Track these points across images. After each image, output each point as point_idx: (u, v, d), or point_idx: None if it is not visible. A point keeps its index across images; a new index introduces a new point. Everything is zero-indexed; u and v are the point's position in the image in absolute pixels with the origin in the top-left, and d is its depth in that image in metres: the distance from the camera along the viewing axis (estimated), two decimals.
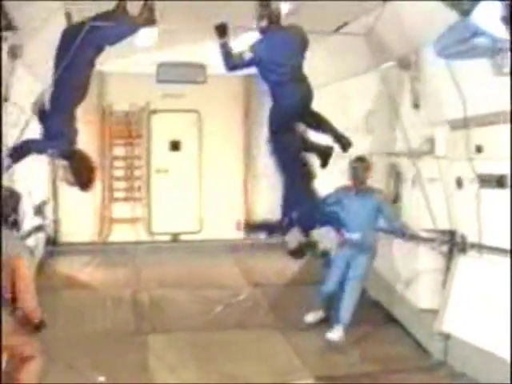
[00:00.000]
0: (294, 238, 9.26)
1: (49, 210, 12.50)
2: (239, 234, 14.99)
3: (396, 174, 9.59)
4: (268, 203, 14.50)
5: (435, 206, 8.48)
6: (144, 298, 10.60)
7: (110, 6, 7.83)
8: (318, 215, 9.16)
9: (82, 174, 7.83)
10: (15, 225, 6.17)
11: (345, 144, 8.50)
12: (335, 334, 8.87)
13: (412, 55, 8.57)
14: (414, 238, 8.95)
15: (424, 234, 8.73)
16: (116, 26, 7.69)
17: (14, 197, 6.22)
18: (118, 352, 8.45)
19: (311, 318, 9.50)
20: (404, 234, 9.02)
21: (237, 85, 14.90)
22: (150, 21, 7.83)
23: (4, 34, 7.05)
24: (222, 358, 8.37)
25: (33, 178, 10.97)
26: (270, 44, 8.13)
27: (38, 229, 10.69)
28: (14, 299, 5.99)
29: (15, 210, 6.16)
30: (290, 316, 9.73)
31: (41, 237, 11.98)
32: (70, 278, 11.53)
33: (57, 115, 7.59)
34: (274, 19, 8.17)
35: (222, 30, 8.08)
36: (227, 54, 8.15)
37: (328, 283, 9.28)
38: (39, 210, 11.24)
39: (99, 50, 7.81)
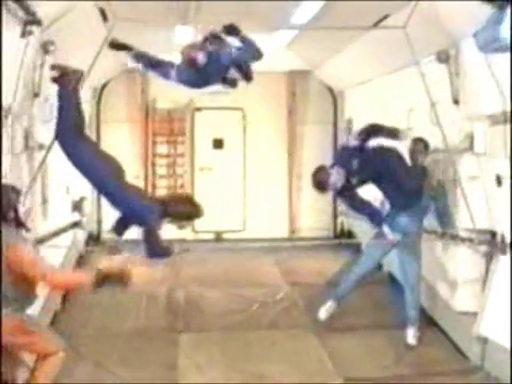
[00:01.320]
0: None
1: (89, 207, 12.44)
2: (282, 234, 14.84)
3: (436, 172, 9.30)
4: (312, 203, 14.33)
5: (475, 205, 8.19)
6: (179, 296, 10.51)
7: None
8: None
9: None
10: (17, 223, 6.01)
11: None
12: (412, 337, 8.65)
13: (451, 49, 8.31)
14: (453, 238, 8.68)
15: (464, 234, 8.45)
16: None
17: (11, 193, 6.02)
18: (147, 350, 8.40)
19: (323, 314, 9.12)
20: (444, 233, 8.75)
21: (280, 81, 14.83)
22: None
23: (29, 28, 6.94)
24: (251, 357, 8.24)
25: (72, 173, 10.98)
26: None
27: (75, 225, 10.62)
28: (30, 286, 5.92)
29: (13, 207, 5.97)
30: None
31: (80, 233, 11.96)
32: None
33: None
34: None
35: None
36: None
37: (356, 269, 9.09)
38: (77, 206, 11.21)
39: None
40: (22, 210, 6.38)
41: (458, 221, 8.62)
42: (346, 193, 8.70)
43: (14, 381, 6.18)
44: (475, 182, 8.28)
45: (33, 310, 6.44)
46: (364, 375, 7.77)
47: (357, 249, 12.12)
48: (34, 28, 7.16)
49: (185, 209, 7.28)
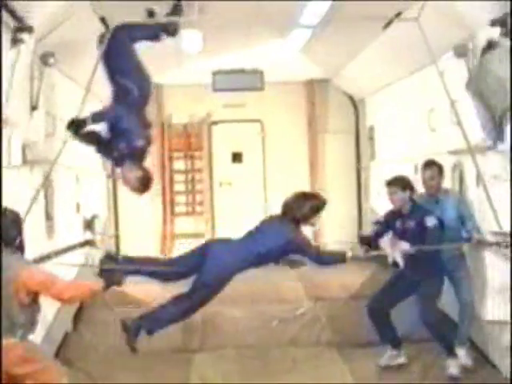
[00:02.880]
0: None
1: (102, 225, 12.14)
2: None
3: (460, 173, 8.86)
4: (336, 215, 13.90)
5: (501, 206, 7.70)
6: (196, 315, 10.06)
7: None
8: None
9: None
10: (21, 248, 5.98)
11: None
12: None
13: (469, 42, 7.89)
14: (480, 243, 8.17)
15: (491, 238, 7.95)
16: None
17: (18, 220, 6.01)
18: (159, 370, 8.12)
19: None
20: (470, 238, 8.24)
21: (298, 91, 14.53)
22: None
23: (19, 36, 6.70)
24: (269, 375, 7.92)
25: (84, 190, 10.75)
26: None
27: (87, 243, 10.34)
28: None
29: (20, 233, 5.96)
30: (348, 332, 9.14)
31: (93, 253, 11.63)
32: (124, 295, 11.09)
33: None
34: None
35: None
36: None
37: None
38: (89, 225, 10.91)
39: None
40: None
41: (483, 225, 8.13)
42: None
43: None
44: (500, 182, 7.80)
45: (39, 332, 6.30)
46: None
47: (381, 261, 11.70)
48: (27, 37, 6.93)
49: (310, 204, 7.15)
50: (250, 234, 7.26)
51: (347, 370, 7.99)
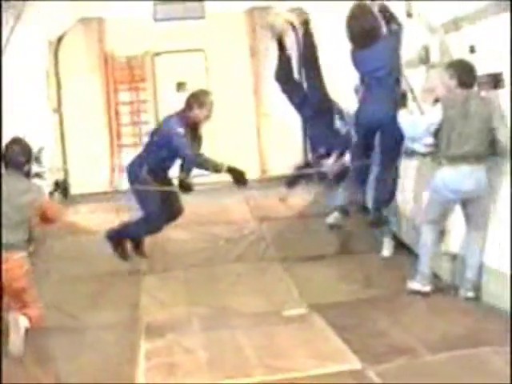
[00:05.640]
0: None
1: (49, 158, 12.17)
2: (253, 174, 14.58)
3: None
4: (282, 141, 14.10)
5: None
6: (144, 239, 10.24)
7: None
8: None
9: None
10: (28, 175, 6.78)
11: None
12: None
13: None
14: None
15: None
16: None
17: (27, 148, 6.74)
18: (109, 293, 8.24)
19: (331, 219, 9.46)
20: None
21: (240, 19, 14.52)
22: None
23: None
24: (216, 291, 8.07)
25: (30, 123, 10.74)
26: None
27: (32, 176, 10.37)
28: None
29: (28, 161, 6.71)
30: (293, 248, 9.37)
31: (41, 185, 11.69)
32: (73, 225, 11.24)
33: None
34: None
35: None
36: None
37: None
38: (36, 158, 10.91)
39: None
40: None
41: None
42: None
43: None
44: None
45: None
46: (330, 301, 7.54)
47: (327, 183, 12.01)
48: None
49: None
50: None
51: (292, 282, 8.16)
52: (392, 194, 8.43)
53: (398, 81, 8.02)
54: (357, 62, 8.10)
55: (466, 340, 6.13)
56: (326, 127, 9.55)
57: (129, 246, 9.02)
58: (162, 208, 8.59)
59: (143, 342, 6.59)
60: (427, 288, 7.36)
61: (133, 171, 8.66)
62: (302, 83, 10.03)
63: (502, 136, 6.78)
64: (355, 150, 8.51)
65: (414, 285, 7.43)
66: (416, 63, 8.19)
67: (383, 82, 7.92)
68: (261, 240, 10.02)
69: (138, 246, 9.07)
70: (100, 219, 11.58)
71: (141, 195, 8.60)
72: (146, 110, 14.50)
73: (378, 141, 8.26)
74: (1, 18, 6.27)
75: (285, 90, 9.79)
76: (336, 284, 8.17)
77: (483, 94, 7.02)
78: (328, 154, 9.30)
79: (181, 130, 8.28)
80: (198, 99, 8.35)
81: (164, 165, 8.68)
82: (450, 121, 6.95)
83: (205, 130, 14.07)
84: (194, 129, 8.51)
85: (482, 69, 6.95)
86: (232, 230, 10.30)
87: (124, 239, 8.90)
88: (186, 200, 10.32)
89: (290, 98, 9.78)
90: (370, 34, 7.86)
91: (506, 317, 6.39)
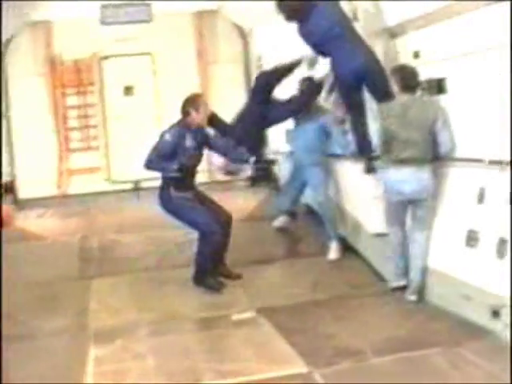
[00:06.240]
0: None
1: None
2: (202, 177, 14.59)
3: None
4: None
5: None
6: (93, 244, 10.24)
7: None
8: None
9: None
10: None
11: None
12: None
13: None
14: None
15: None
16: None
17: None
18: (57, 298, 8.20)
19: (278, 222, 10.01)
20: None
21: (187, 23, 14.49)
22: None
23: None
24: (165, 296, 8.10)
25: None
26: None
27: None
28: None
29: None
30: (240, 251, 9.36)
31: None
32: (23, 230, 11.15)
33: None
34: None
35: None
36: None
37: None
38: None
39: None
40: None
41: None
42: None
43: None
44: None
45: None
46: (278, 304, 7.64)
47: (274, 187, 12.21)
48: None
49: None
50: None
51: (240, 286, 8.25)
52: (369, 138, 8.25)
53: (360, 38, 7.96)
54: (306, 35, 7.97)
55: (411, 342, 6.25)
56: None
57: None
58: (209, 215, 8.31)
59: (92, 348, 6.59)
60: (402, 283, 7.56)
61: (164, 195, 8.38)
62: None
63: (445, 139, 6.96)
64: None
65: (393, 284, 7.68)
66: None
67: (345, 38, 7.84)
68: None
69: (223, 272, 8.47)
70: (49, 224, 11.54)
71: (183, 211, 8.33)
72: (94, 114, 14.36)
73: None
74: (1, 18, 6.14)
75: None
76: (284, 287, 8.28)
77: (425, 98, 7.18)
78: None
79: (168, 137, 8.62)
80: (193, 103, 8.24)
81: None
82: (389, 130, 7.12)
83: (152, 131, 14.29)
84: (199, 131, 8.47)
85: (425, 74, 7.12)
86: (181, 234, 10.27)
87: (205, 274, 8.26)
88: (133, 207, 10.41)
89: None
90: (304, 7, 7.91)
91: (452, 318, 6.55)
